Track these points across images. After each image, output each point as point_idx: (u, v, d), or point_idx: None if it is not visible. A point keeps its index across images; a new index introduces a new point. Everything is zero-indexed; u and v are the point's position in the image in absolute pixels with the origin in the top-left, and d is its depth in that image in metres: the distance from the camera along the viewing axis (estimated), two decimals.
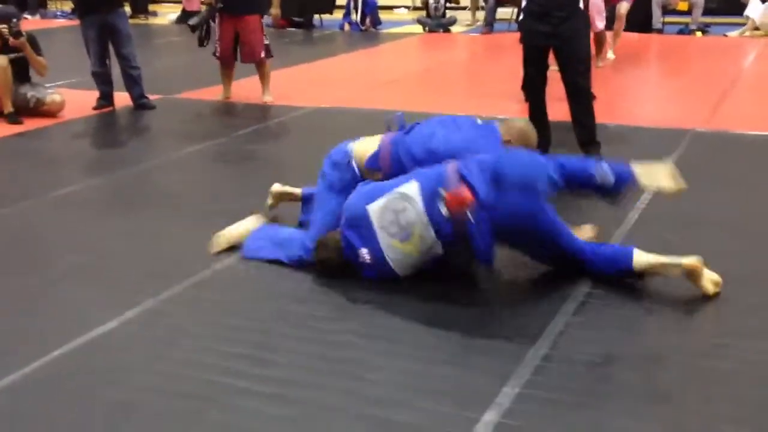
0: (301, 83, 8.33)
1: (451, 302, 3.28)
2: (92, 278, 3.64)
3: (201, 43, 7.31)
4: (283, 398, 2.65)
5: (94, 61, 7.08)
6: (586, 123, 5.25)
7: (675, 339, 2.98)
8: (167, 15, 14.78)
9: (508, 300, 3.37)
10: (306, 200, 4.07)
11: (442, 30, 12.42)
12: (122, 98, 7.23)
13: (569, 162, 3.47)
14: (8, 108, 6.66)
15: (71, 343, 3.03)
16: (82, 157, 5.91)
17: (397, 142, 3.68)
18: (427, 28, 12.51)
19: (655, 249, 3.36)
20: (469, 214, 3.17)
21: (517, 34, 5.37)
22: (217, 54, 7.25)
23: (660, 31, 11.38)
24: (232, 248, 3.82)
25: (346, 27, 12.84)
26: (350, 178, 3.68)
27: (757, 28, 11.16)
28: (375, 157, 3.67)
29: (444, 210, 3.20)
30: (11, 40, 6.64)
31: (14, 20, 6.72)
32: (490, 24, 12.10)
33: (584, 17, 5.22)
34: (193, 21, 7.29)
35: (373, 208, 3.32)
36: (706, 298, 3.26)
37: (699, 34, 11.42)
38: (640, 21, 10.69)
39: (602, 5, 8.03)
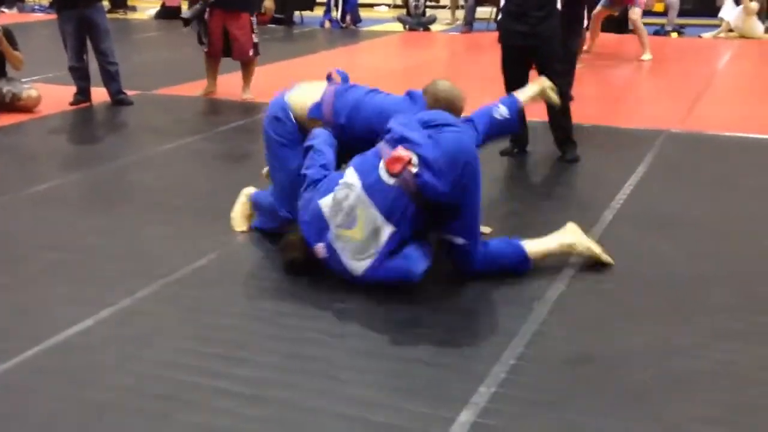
0: (281, 80, 8.19)
1: (426, 302, 3.29)
2: (68, 276, 3.61)
3: (200, 41, 7.19)
4: (258, 398, 2.64)
5: (71, 56, 7.01)
6: (562, 123, 5.29)
7: (650, 339, 3.00)
8: (146, 10, 14.68)
9: (483, 300, 3.37)
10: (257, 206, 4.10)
11: (421, 28, 12.43)
12: (100, 94, 7.17)
13: (477, 119, 3.69)
14: None
15: (46, 342, 3.00)
16: (58, 153, 5.86)
17: (340, 93, 3.80)
18: (407, 26, 12.51)
19: (629, 249, 3.37)
20: (412, 169, 3.23)
21: (496, 34, 5.38)
22: (206, 49, 7.19)
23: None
24: (208, 244, 3.86)
25: (327, 24, 12.83)
26: (292, 130, 3.81)
27: (731, 30, 11.26)
28: (318, 107, 3.78)
29: (387, 177, 3.26)
30: None
31: None
32: (469, 23, 12.13)
33: (572, 17, 5.25)
34: (186, 14, 7.19)
35: (325, 202, 3.36)
36: (683, 298, 3.30)
37: (674, 35, 11.51)
38: (616, 21, 10.75)
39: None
